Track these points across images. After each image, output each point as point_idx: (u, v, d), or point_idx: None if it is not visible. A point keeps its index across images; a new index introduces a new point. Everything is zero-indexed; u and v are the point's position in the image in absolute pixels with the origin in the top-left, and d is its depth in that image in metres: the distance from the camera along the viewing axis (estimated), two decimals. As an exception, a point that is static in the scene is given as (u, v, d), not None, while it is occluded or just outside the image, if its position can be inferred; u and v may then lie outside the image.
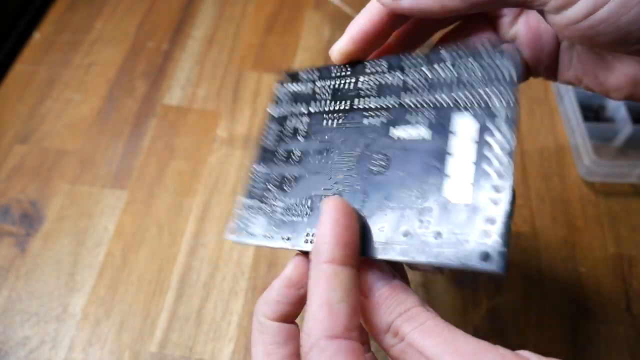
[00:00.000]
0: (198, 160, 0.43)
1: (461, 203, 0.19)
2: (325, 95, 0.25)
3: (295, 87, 0.26)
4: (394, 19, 0.22)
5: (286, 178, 0.24)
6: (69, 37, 0.51)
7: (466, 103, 0.20)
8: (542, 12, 0.20)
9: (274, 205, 0.23)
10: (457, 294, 0.36)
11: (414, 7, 0.21)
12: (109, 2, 0.54)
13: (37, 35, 0.51)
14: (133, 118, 0.45)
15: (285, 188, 0.24)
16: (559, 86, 0.46)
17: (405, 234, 0.20)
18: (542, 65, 0.25)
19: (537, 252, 0.38)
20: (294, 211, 0.23)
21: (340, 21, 0.53)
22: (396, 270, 0.21)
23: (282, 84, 0.26)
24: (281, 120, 0.25)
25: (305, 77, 0.26)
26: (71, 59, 0.49)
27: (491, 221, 0.18)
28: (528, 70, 0.26)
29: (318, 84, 0.25)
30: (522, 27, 0.24)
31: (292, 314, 0.21)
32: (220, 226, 0.39)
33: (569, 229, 0.39)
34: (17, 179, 0.41)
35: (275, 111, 0.26)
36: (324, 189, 0.22)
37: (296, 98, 0.25)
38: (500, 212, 0.18)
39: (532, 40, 0.24)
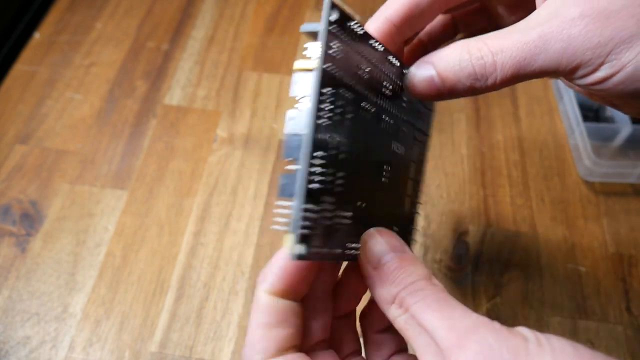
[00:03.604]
0: (198, 160, 0.43)
1: None
2: (366, 75, 0.19)
3: (351, 42, 0.19)
4: (402, 31, 0.23)
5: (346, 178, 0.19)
6: (69, 37, 0.51)
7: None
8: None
9: (333, 211, 0.19)
10: (457, 293, 0.36)
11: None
12: (109, 2, 0.54)
13: (37, 36, 0.51)
14: (133, 118, 0.45)
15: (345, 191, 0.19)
16: (558, 85, 0.46)
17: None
18: None
19: (537, 252, 0.38)
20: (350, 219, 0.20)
21: (340, 21, 0.53)
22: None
23: (339, 25, 0.18)
24: (335, 91, 0.18)
25: (357, 33, 0.19)
26: (71, 59, 0.49)
27: None
28: None
29: (366, 55, 0.19)
30: None
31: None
32: (221, 226, 0.39)
33: (568, 228, 0.39)
34: (18, 179, 0.41)
35: (332, 71, 0.18)
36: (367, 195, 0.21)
37: (351, 62, 0.18)
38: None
39: None
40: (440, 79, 0.21)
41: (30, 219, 0.39)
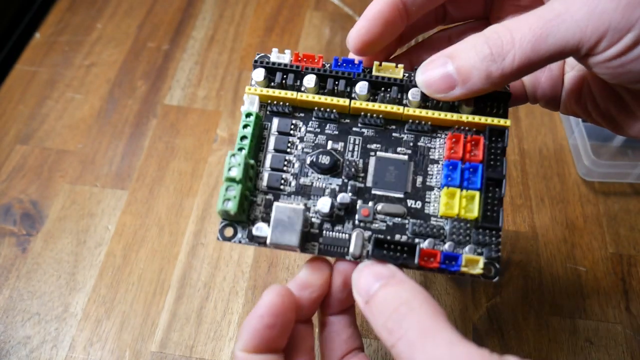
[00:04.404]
0: (198, 160, 0.43)
1: None
2: None
3: None
4: (408, 7, 0.22)
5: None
6: (69, 37, 0.51)
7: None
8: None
9: None
10: (457, 293, 0.36)
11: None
12: (110, 2, 0.54)
13: (37, 36, 0.51)
14: (133, 118, 0.45)
15: None
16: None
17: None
18: (539, 89, 0.25)
19: (537, 252, 0.38)
20: None
21: (340, 21, 0.53)
22: None
23: None
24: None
25: None
26: (72, 60, 0.49)
27: None
28: (524, 94, 0.26)
29: None
30: None
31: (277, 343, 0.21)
32: (221, 226, 0.39)
33: (568, 228, 0.39)
34: (18, 179, 0.41)
35: None
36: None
37: None
38: None
39: None
40: (455, 68, 0.20)
41: (30, 219, 0.39)
